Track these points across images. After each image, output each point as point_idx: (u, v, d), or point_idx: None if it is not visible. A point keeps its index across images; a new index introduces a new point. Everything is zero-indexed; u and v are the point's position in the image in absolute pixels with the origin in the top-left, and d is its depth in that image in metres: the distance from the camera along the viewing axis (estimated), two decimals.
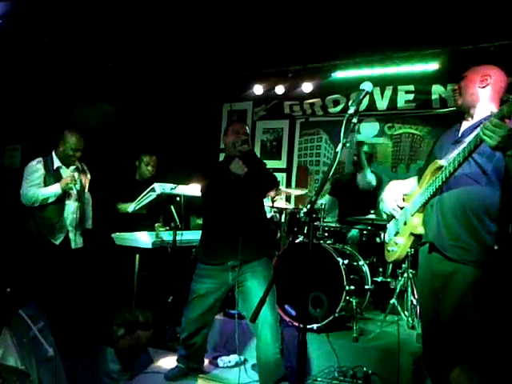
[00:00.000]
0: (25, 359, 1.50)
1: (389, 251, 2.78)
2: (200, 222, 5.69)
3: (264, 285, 3.21)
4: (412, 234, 2.60)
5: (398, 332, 3.54)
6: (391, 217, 2.83)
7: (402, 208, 2.73)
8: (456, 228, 2.42)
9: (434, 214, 2.51)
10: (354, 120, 2.24)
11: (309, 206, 2.17)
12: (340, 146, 2.21)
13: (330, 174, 2.24)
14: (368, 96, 2.40)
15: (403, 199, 2.76)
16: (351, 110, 2.24)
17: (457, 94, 2.64)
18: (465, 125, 2.59)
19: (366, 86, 2.31)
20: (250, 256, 3.35)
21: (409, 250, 3.74)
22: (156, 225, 4.99)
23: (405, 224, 2.66)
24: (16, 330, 1.54)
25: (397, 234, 2.74)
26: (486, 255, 2.36)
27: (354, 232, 5.22)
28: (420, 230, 2.56)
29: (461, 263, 2.38)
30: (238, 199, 3.38)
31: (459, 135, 2.56)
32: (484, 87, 2.53)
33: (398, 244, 2.68)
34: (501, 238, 2.37)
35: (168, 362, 4.01)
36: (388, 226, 2.90)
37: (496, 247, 2.35)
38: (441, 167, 2.43)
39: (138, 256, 4.45)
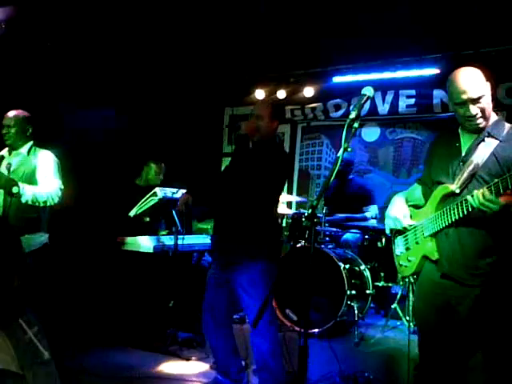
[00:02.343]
0: (21, 361, 1.50)
1: (401, 265, 2.73)
2: (201, 226, 5.71)
3: (250, 291, 3.19)
4: (425, 256, 2.55)
5: (409, 337, 3.50)
6: (395, 231, 2.79)
7: (413, 226, 2.66)
8: (475, 259, 2.36)
9: (451, 244, 2.42)
10: (356, 125, 2.24)
11: (310, 211, 2.17)
12: (341, 150, 2.21)
13: (332, 178, 2.24)
14: (369, 101, 2.39)
15: (410, 216, 2.68)
16: (352, 115, 2.23)
17: (480, 117, 2.37)
18: (466, 137, 2.48)
19: (367, 91, 2.30)
20: (235, 257, 3.26)
21: None
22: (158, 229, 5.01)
23: (417, 243, 2.60)
24: (12, 334, 1.54)
25: (408, 249, 2.69)
26: (504, 276, 2.33)
27: (348, 236, 5.21)
28: (436, 257, 2.47)
29: (477, 286, 2.35)
30: (228, 194, 3.30)
31: (463, 153, 2.44)
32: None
33: (410, 261, 2.64)
34: None
35: (170, 367, 4.01)
36: (397, 239, 2.82)
37: None
38: (452, 193, 2.38)
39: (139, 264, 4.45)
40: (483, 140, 2.36)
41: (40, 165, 3.73)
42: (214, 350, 3.54)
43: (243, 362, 3.62)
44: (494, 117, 2.44)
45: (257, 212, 3.25)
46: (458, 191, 2.37)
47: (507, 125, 2.42)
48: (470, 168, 2.32)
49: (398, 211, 2.69)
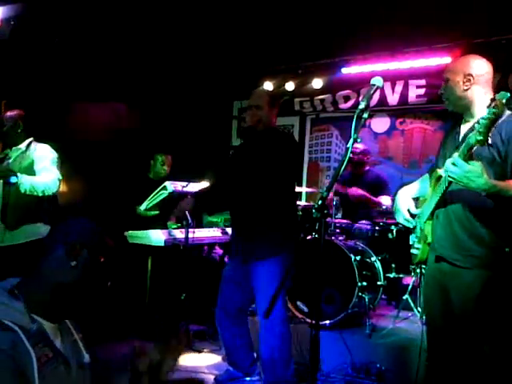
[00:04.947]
0: (66, 352, 1.59)
1: (412, 254, 2.78)
2: (212, 219, 5.71)
3: (268, 285, 3.16)
4: (425, 241, 2.59)
5: (422, 329, 3.48)
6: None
7: (416, 215, 2.70)
8: (464, 239, 2.38)
9: (441, 225, 2.47)
10: (365, 115, 2.23)
11: (320, 202, 2.16)
12: (351, 141, 2.20)
13: (341, 169, 2.23)
14: (379, 91, 2.38)
15: (416, 205, 2.72)
16: (362, 106, 2.22)
17: (444, 99, 2.56)
18: (464, 126, 2.53)
19: (377, 82, 2.28)
20: (256, 252, 3.26)
21: None
22: (168, 223, 5.02)
23: (421, 230, 2.64)
24: (63, 329, 1.63)
25: (417, 237, 2.72)
26: (495, 257, 2.33)
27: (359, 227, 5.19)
28: (430, 240, 2.54)
29: (471, 269, 2.35)
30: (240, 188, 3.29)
31: (459, 139, 2.49)
32: (469, 88, 2.44)
33: (418, 248, 2.67)
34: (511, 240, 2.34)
35: (182, 359, 4.02)
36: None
37: (507, 249, 2.32)
38: (440, 177, 2.42)
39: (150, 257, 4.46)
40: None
41: (37, 157, 3.83)
42: (227, 345, 3.55)
43: (255, 355, 3.63)
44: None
45: (274, 204, 3.23)
46: (442, 174, 2.38)
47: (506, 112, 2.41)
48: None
49: (402, 204, 2.74)
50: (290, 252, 3.27)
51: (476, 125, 2.06)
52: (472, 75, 2.43)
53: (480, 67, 2.46)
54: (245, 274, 3.32)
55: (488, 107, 2.01)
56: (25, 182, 3.61)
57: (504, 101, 1.98)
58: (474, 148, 2.11)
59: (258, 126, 3.31)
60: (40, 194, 3.68)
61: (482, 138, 2.02)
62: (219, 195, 3.46)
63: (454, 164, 2.13)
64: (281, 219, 3.26)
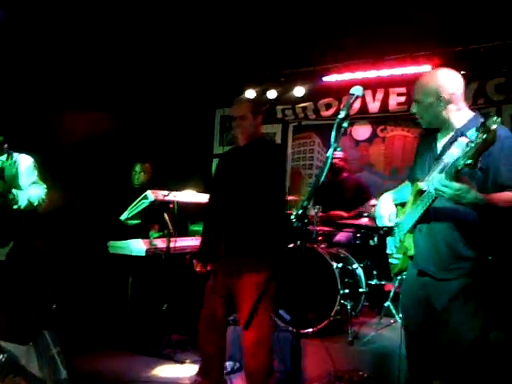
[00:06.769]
0: (43, 372, 1.55)
1: (391, 264, 2.78)
2: (195, 228, 5.69)
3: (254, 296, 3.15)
4: (405, 253, 2.59)
5: (401, 337, 3.50)
6: (386, 230, 2.83)
7: (397, 224, 2.69)
8: (448, 256, 2.38)
9: (424, 240, 2.47)
10: (345, 124, 2.24)
11: (300, 211, 2.16)
12: (331, 150, 2.21)
13: (322, 178, 2.23)
14: (360, 99, 2.40)
15: (397, 213, 2.72)
16: (341, 115, 2.23)
17: (418, 117, 2.54)
18: (442, 137, 2.52)
19: (356, 91, 2.29)
20: (244, 263, 3.20)
21: None
22: (150, 232, 4.98)
23: (400, 241, 2.64)
24: (38, 346, 1.60)
25: (395, 247, 2.72)
26: (478, 267, 2.34)
27: (340, 235, 5.20)
28: (412, 253, 2.53)
29: (455, 279, 2.36)
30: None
31: (437, 152, 2.49)
32: (444, 108, 2.44)
33: (397, 259, 2.68)
34: (494, 249, 2.36)
35: (164, 371, 4.00)
36: (388, 238, 2.85)
37: (490, 258, 2.34)
38: (422, 191, 2.41)
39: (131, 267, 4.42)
40: (456, 139, 2.35)
41: (23, 171, 3.76)
42: (204, 357, 3.44)
43: (236, 364, 3.59)
44: (468, 114, 2.46)
45: (265, 215, 3.19)
46: (424, 188, 2.39)
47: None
48: (441, 166, 2.34)
49: (384, 210, 2.74)
50: (277, 263, 3.26)
51: (465, 148, 2.04)
52: (445, 97, 2.41)
53: (451, 85, 2.43)
54: (230, 286, 3.27)
55: (478, 130, 1.99)
56: (21, 198, 3.57)
57: (495, 127, 1.95)
58: (461, 171, 2.12)
59: (245, 137, 3.29)
60: (32, 208, 3.63)
61: (471, 162, 2.02)
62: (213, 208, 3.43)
63: (444, 186, 2.15)
64: (270, 231, 3.22)
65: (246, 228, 3.20)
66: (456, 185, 2.13)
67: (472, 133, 2.05)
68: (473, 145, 2.00)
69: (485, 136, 1.96)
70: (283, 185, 3.43)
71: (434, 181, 2.22)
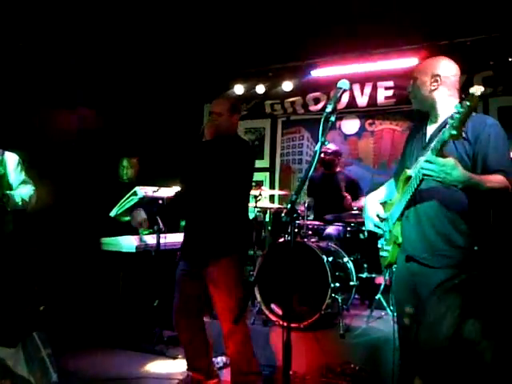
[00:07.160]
0: (31, 374, 1.53)
1: (381, 257, 2.79)
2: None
3: (221, 285, 3.19)
4: (395, 242, 2.60)
5: (394, 328, 3.52)
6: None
7: (384, 219, 2.70)
8: (434, 238, 2.40)
9: (411, 225, 2.49)
10: (332, 118, 2.25)
11: (289, 206, 2.17)
12: (319, 144, 2.22)
13: (310, 172, 2.24)
14: (348, 93, 2.41)
15: (384, 209, 2.72)
16: (329, 109, 2.25)
17: (411, 98, 2.62)
18: (430, 127, 2.56)
19: (343, 85, 2.31)
20: (206, 254, 3.26)
21: None
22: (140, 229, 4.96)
23: (390, 232, 2.65)
24: (27, 347, 1.58)
25: (386, 240, 2.73)
26: (464, 257, 2.35)
27: (330, 229, 5.22)
28: (400, 240, 2.54)
29: (440, 268, 2.36)
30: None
31: (426, 140, 2.52)
32: (436, 89, 2.48)
33: (387, 251, 2.69)
34: (480, 238, 2.37)
35: (156, 367, 3.99)
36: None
37: (476, 248, 2.35)
38: (410, 177, 2.43)
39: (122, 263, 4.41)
40: (444, 127, 2.37)
41: (12, 170, 3.73)
42: (187, 348, 3.45)
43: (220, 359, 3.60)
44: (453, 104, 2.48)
45: (225, 207, 3.29)
46: (412, 174, 2.41)
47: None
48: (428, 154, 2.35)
49: (371, 211, 2.74)
50: (241, 254, 3.36)
51: (449, 120, 2.07)
52: (439, 76, 2.46)
53: (448, 69, 2.50)
54: (198, 275, 3.31)
55: (461, 101, 2.03)
56: (16, 198, 3.56)
57: (478, 94, 1.99)
58: (448, 143, 2.13)
59: (216, 132, 3.35)
60: (24, 207, 3.62)
61: (456, 132, 2.05)
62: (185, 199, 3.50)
63: (428, 161, 2.15)
64: (232, 221, 3.30)
65: (206, 218, 3.30)
66: (441, 160, 2.13)
67: (457, 106, 2.07)
68: (458, 115, 2.02)
69: (469, 103, 1.99)
70: (245, 178, 3.47)
71: (420, 161, 2.23)
